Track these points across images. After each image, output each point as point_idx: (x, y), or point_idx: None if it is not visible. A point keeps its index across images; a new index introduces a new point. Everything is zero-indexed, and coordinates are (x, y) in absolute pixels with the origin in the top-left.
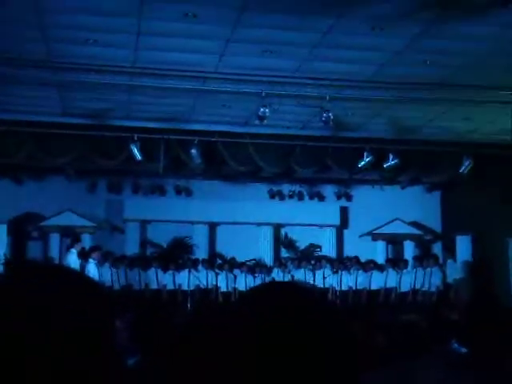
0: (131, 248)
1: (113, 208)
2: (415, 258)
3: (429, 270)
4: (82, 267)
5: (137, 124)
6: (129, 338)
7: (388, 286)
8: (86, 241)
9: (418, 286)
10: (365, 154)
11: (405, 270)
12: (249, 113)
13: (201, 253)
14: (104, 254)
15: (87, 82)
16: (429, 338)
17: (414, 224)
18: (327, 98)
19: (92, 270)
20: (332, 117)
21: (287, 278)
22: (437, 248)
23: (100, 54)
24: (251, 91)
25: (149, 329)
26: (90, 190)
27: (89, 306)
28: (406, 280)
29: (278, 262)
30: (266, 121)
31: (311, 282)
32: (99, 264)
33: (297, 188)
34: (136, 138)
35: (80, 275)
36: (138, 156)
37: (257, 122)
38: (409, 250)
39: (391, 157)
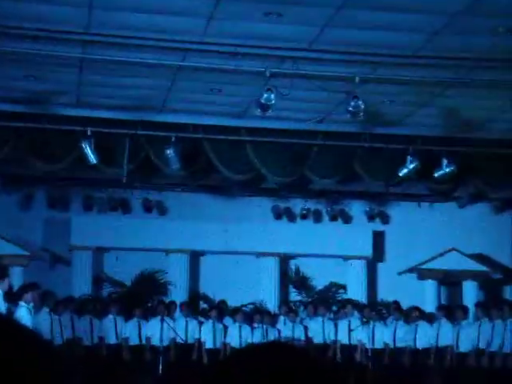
0: (80, 287)
1: (55, 230)
2: (479, 305)
3: (499, 322)
4: (10, 313)
5: (91, 113)
6: None
7: (441, 343)
8: (17, 276)
9: (483, 345)
10: (408, 158)
11: (464, 322)
12: (247, 100)
13: (178, 294)
14: (41, 294)
15: (21, 52)
16: None
17: (478, 257)
18: (356, 79)
19: (24, 317)
20: (363, 106)
21: (298, 329)
22: (510, 291)
23: (40, 14)
24: (250, 69)
25: None
26: (23, 205)
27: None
28: (467, 336)
29: (286, 307)
30: (270, 111)
31: (331, 336)
32: (34, 309)
33: (312, 205)
34: (89, 133)
35: (19, 327)
36: (92, 158)
37: (258, 112)
38: (470, 293)
39: (445, 162)
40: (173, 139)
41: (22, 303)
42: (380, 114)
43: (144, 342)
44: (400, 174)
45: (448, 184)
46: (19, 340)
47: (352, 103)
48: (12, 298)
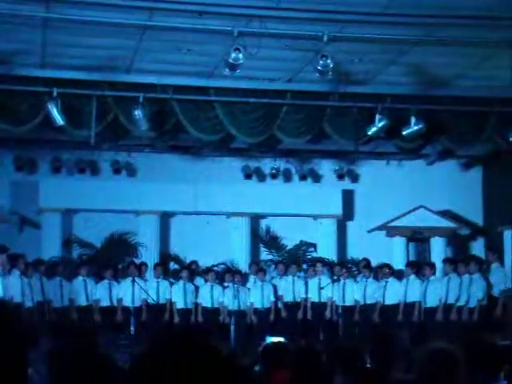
0: (50, 249)
1: (23, 193)
2: (447, 261)
3: (466, 277)
4: None
5: (57, 74)
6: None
7: (409, 299)
8: None
9: (451, 300)
10: (376, 116)
11: (432, 278)
12: (216, 59)
13: (149, 255)
14: (11, 256)
15: None
16: (467, 372)
17: (446, 213)
18: (325, 37)
19: None
20: (332, 65)
21: (268, 288)
22: (477, 247)
23: None
24: (218, 28)
25: (74, 365)
26: None
27: None
28: (435, 291)
29: (256, 266)
30: (239, 71)
31: (302, 294)
32: (3, 272)
33: (282, 165)
34: (56, 95)
35: None
36: (59, 120)
37: (226, 71)
38: (438, 249)
39: (413, 120)
40: (141, 100)
41: None
42: (349, 73)
43: (115, 303)
44: (369, 133)
45: (416, 142)
46: None
47: (321, 62)
48: None
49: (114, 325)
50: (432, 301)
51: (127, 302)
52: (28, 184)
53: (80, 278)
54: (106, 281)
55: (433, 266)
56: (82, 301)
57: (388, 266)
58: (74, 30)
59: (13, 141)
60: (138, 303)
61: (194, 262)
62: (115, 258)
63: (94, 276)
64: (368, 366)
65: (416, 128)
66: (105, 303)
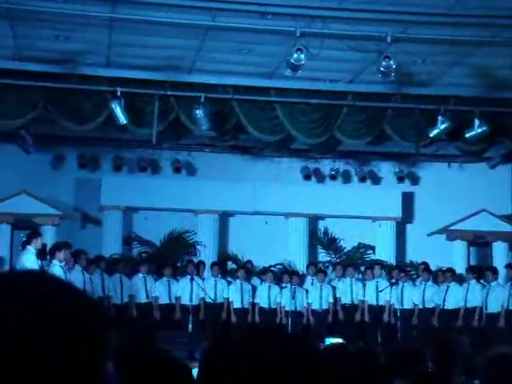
0: (111, 246)
1: (85, 190)
2: (510, 267)
3: None
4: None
5: (120, 74)
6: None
7: (470, 304)
8: (49, 235)
9: None
10: (439, 118)
11: (494, 283)
12: (277, 60)
13: (207, 254)
14: (73, 253)
15: (51, 12)
16: None
17: (509, 218)
18: (388, 38)
19: (56, 275)
20: (394, 66)
21: (326, 289)
22: None
23: None
24: (280, 29)
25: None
26: (53, 166)
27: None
28: (497, 297)
29: (314, 267)
30: (300, 71)
31: (359, 296)
32: (66, 267)
33: (342, 166)
34: (119, 94)
35: (64, 283)
36: (122, 119)
37: (288, 72)
38: (500, 254)
39: (477, 123)
40: (202, 99)
41: (55, 261)
42: (411, 74)
43: (173, 301)
44: (431, 135)
45: (479, 144)
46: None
47: (383, 63)
48: (44, 256)
49: (172, 322)
50: (494, 306)
51: (185, 300)
52: (91, 182)
53: (140, 275)
54: (165, 278)
55: (495, 270)
56: (142, 298)
57: (450, 270)
58: (139, 30)
59: (77, 139)
60: (196, 301)
61: (249, 262)
62: (174, 256)
63: (154, 273)
64: (429, 370)
65: (479, 130)
66: (164, 301)
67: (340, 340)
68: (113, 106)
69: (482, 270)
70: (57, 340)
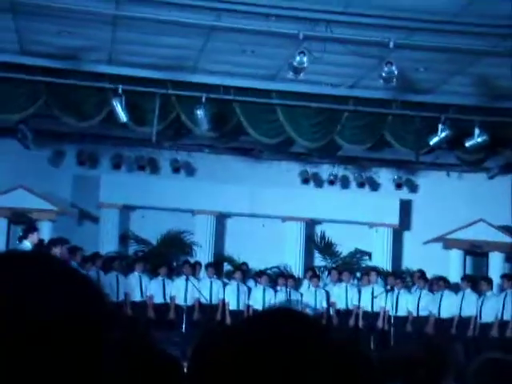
0: (107, 243)
1: (84, 187)
2: (505, 277)
3: None
4: None
5: (122, 71)
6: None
7: (464, 314)
8: (45, 230)
9: (507, 317)
10: (439, 126)
11: (489, 293)
12: (279, 62)
13: (203, 254)
14: (70, 249)
15: (55, 7)
16: None
17: (506, 228)
18: (391, 44)
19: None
20: (396, 72)
21: (321, 294)
22: None
23: None
24: (284, 31)
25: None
26: (52, 162)
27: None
28: (491, 306)
29: (311, 272)
30: (302, 74)
31: (354, 302)
32: None
33: (340, 171)
34: (121, 91)
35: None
36: (123, 116)
37: (290, 75)
38: (496, 264)
39: (477, 132)
40: (203, 100)
41: None
42: (413, 81)
43: (168, 300)
44: (431, 143)
45: (479, 154)
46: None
47: (385, 69)
48: (41, 251)
49: (166, 322)
50: (488, 316)
51: (180, 300)
52: (89, 178)
53: (135, 273)
54: (160, 278)
55: (490, 281)
56: (137, 296)
57: (443, 278)
58: (142, 28)
59: (76, 135)
60: (190, 302)
61: (245, 264)
62: (170, 255)
63: (149, 272)
64: (420, 377)
65: (479, 140)
66: (158, 300)
67: None
68: (114, 103)
69: (476, 280)
70: (62, 317)
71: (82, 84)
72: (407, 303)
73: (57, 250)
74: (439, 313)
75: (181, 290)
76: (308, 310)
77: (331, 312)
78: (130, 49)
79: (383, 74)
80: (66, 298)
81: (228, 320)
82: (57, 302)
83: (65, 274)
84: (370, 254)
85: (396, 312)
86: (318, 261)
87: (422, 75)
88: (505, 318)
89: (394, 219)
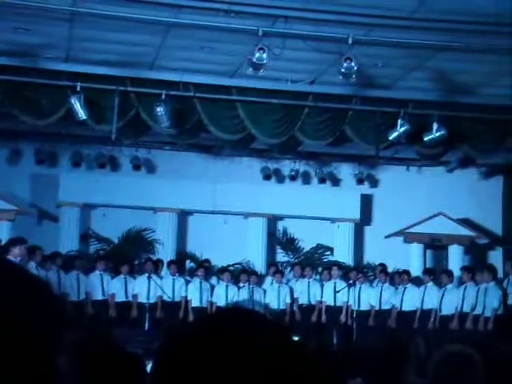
0: (67, 242)
1: (42, 186)
2: (465, 270)
3: (483, 286)
4: None
5: (80, 69)
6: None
7: (426, 306)
8: (4, 230)
9: (466, 309)
10: (398, 121)
11: (449, 286)
12: (239, 59)
13: (166, 252)
14: (29, 249)
15: (10, 3)
16: (485, 377)
17: (465, 222)
18: (350, 40)
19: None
20: (356, 68)
21: (284, 290)
22: (495, 256)
23: None
24: (243, 28)
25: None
26: (10, 160)
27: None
28: (451, 299)
29: (273, 267)
30: (262, 71)
31: (317, 297)
32: (21, 264)
33: (302, 167)
34: (79, 89)
35: (22, 269)
36: (82, 114)
37: (250, 71)
38: (456, 257)
39: (435, 127)
40: (163, 96)
41: (9, 258)
42: (372, 77)
43: (130, 298)
44: (390, 138)
45: (437, 148)
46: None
47: (345, 65)
48: None
49: (128, 320)
50: (448, 309)
51: (142, 298)
52: (48, 177)
53: (97, 272)
54: (122, 276)
55: (450, 273)
56: (98, 295)
57: (407, 272)
58: (100, 25)
59: (34, 134)
60: (153, 300)
61: (207, 261)
62: (132, 253)
63: (111, 271)
64: (382, 369)
65: (437, 134)
66: (120, 298)
67: (296, 338)
68: (72, 101)
69: (437, 273)
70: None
71: (39, 82)
72: (369, 297)
73: (15, 250)
74: (401, 306)
75: (143, 288)
76: (267, 310)
77: (294, 308)
78: (88, 46)
79: (343, 70)
80: (16, 305)
81: (191, 317)
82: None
83: (16, 278)
84: (332, 249)
85: (359, 306)
86: (281, 256)
87: (381, 71)
88: (464, 310)
89: (355, 214)
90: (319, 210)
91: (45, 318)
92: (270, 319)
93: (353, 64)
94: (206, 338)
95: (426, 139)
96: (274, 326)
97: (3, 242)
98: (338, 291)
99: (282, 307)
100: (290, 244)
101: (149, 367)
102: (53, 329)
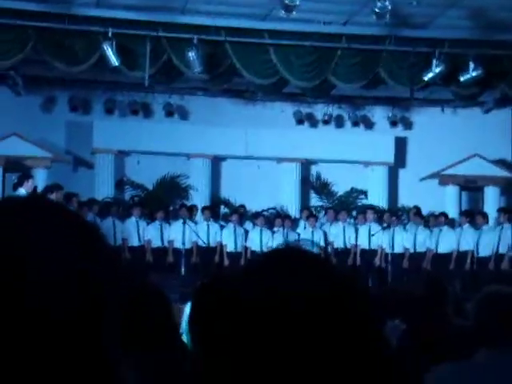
0: (103, 189)
1: (77, 133)
2: (501, 211)
3: None
4: None
5: (112, 14)
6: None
7: (462, 248)
8: (40, 178)
9: (503, 250)
10: (433, 61)
11: (486, 227)
12: (271, 1)
13: (200, 198)
14: (65, 196)
15: None
16: None
17: (501, 163)
18: None
19: None
20: (389, 7)
21: (318, 234)
22: None
23: None
24: None
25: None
26: (44, 108)
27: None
28: (488, 241)
29: (307, 212)
30: (294, 12)
31: (352, 240)
32: None
33: (335, 110)
34: (111, 35)
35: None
36: (114, 61)
37: (282, 14)
38: (492, 199)
39: (472, 66)
40: (195, 41)
41: None
42: (406, 16)
43: (166, 244)
44: (425, 78)
45: (473, 88)
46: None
47: (378, 4)
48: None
49: (164, 265)
50: (484, 250)
51: (178, 244)
52: (82, 124)
53: (132, 218)
54: (158, 222)
55: (485, 215)
56: (135, 241)
57: (444, 214)
58: None
59: (68, 81)
60: (188, 245)
61: (242, 206)
62: (166, 200)
63: (146, 217)
64: (420, 310)
65: (474, 74)
66: (156, 244)
67: None
68: (105, 47)
69: (474, 214)
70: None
71: (71, 28)
72: (403, 240)
73: (52, 197)
74: (436, 248)
75: (178, 234)
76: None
77: (329, 251)
78: None
79: (376, 10)
80: (74, 251)
81: (226, 262)
82: (64, 257)
83: (69, 222)
84: (366, 193)
85: (393, 249)
86: (315, 201)
87: (415, 9)
88: (500, 251)
89: (389, 157)
90: (353, 153)
91: (108, 269)
92: (321, 258)
93: (386, 3)
94: (251, 278)
95: (461, 79)
96: (324, 263)
97: (40, 189)
98: (373, 234)
99: (316, 251)
100: (323, 188)
101: (186, 309)
102: (115, 281)
